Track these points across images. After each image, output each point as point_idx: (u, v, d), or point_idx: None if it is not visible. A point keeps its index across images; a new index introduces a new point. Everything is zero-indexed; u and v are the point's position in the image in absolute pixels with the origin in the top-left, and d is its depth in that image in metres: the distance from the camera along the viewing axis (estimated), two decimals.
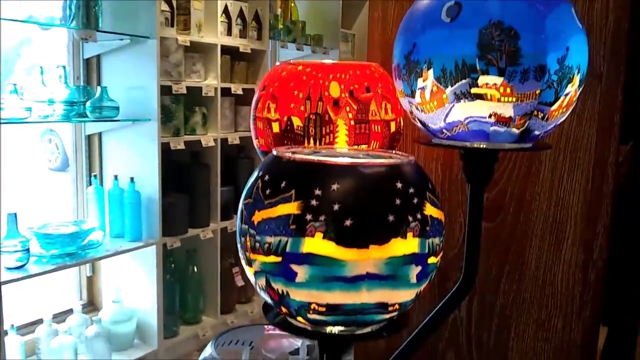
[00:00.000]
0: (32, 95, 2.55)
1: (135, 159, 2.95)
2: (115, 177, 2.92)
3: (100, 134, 3.07)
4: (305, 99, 0.90)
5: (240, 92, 3.39)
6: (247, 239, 0.71)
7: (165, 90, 2.94)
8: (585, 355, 1.07)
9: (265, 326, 1.37)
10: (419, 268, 0.69)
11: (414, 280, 0.69)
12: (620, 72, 0.97)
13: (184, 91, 3.04)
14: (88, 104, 2.71)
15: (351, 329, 0.74)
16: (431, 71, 0.76)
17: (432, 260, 0.71)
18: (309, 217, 0.66)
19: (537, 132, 0.78)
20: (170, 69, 3.02)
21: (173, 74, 3.03)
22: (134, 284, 3.05)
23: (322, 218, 0.65)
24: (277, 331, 1.34)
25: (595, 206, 1.03)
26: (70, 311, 2.88)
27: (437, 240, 0.71)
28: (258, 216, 0.69)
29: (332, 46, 4.16)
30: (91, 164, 3.10)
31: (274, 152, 0.74)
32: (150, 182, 2.92)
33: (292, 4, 4.01)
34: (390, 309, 0.70)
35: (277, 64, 0.97)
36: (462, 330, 1.17)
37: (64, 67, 2.73)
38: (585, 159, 1.02)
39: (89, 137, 3.08)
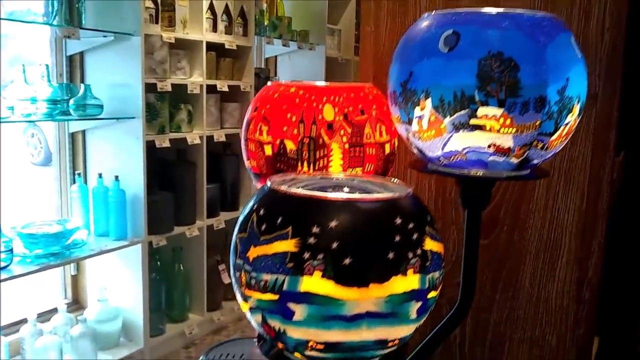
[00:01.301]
0: (14, 94, 2.49)
1: (119, 157, 2.91)
2: (100, 175, 2.87)
3: (84, 132, 3.02)
4: (299, 122, 0.87)
5: (225, 89, 3.35)
6: (242, 274, 0.69)
7: (150, 88, 2.89)
8: None
9: (256, 339, 1.34)
10: (419, 303, 0.67)
11: (414, 315, 0.68)
12: (615, 90, 0.95)
13: (169, 88, 2.99)
14: (71, 102, 2.66)
15: None
16: (429, 100, 0.74)
17: (432, 294, 0.69)
18: (306, 255, 0.64)
19: (536, 161, 0.77)
20: (155, 66, 2.97)
21: (158, 71, 2.98)
22: (119, 283, 3.01)
23: (320, 256, 0.63)
24: None
25: (590, 225, 1.02)
26: (54, 310, 2.84)
27: (437, 274, 0.69)
28: (253, 252, 0.67)
29: (319, 42, 4.12)
30: (75, 162, 3.04)
31: (269, 184, 0.72)
32: (135, 180, 2.87)
33: (278, 0, 3.95)
34: (390, 344, 0.69)
35: (269, 84, 0.95)
36: (456, 347, 1.16)
37: (46, 65, 2.67)
38: (580, 178, 1.01)
39: (72, 135, 3.03)
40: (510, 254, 1.10)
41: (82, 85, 2.69)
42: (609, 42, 0.96)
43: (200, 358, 1.25)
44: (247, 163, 0.96)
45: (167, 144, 3.00)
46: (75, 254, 2.67)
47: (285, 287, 0.64)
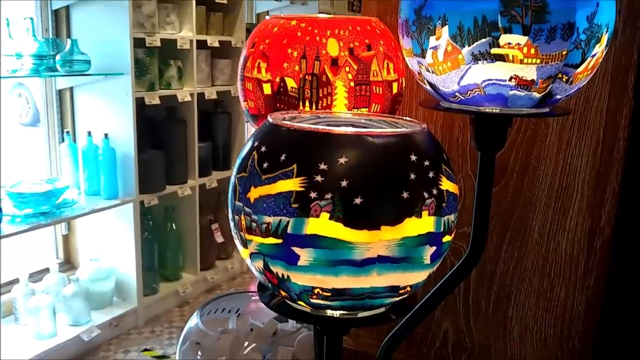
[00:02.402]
0: None
1: (109, 114, 2.81)
2: (89, 133, 2.78)
3: (71, 89, 2.91)
4: (300, 57, 0.80)
5: (216, 44, 3.23)
6: (242, 217, 0.62)
7: (138, 43, 2.78)
8: (587, 326, 1.02)
9: (251, 293, 1.30)
10: (434, 248, 0.62)
11: (427, 261, 0.62)
12: (637, 29, 0.88)
13: (158, 44, 2.87)
14: (58, 57, 2.56)
15: (355, 312, 0.66)
16: (446, 28, 0.67)
17: (446, 239, 0.63)
18: (313, 195, 0.57)
19: (559, 96, 0.70)
20: (143, 21, 2.85)
21: (146, 25, 2.86)
22: (111, 242, 2.95)
23: (328, 196, 0.57)
24: None
25: (604, 171, 0.96)
26: (46, 270, 2.79)
27: (452, 217, 0.63)
28: (254, 193, 0.60)
29: None
30: (63, 120, 2.95)
31: (270, 120, 0.65)
32: (125, 139, 2.79)
33: None
34: (401, 291, 0.63)
35: (267, 17, 0.87)
36: (460, 298, 1.11)
37: (31, 18, 2.56)
38: (595, 121, 0.95)
39: (60, 92, 2.92)
40: (519, 203, 1.04)
41: (69, 41, 2.58)
42: None
43: (195, 312, 1.21)
44: (243, 104, 0.88)
45: (157, 101, 2.91)
46: (65, 213, 2.60)
47: (289, 229, 0.58)
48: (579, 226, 0.99)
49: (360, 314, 0.67)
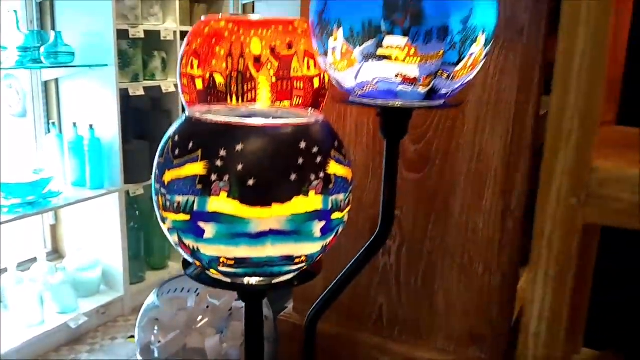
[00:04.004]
0: None
1: (93, 105, 2.94)
2: (74, 124, 2.91)
3: (57, 81, 3.04)
4: (227, 55, 0.92)
5: None
6: (160, 197, 0.75)
7: (122, 35, 2.90)
8: (503, 297, 1.14)
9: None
10: (323, 223, 0.73)
11: (318, 234, 0.74)
12: (540, 28, 0.99)
13: (142, 35, 3.00)
14: (42, 49, 2.68)
15: (267, 279, 0.79)
16: (341, 31, 0.78)
17: (336, 215, 0.75)
18: (214, 177, 0.69)
19: (444, 91, 0.82)
20: (127, 13, 2.97)
21: (130, 17, 2.98)
22: (98, 232, 3.09)
23: (226, 178, 0.69)
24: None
25: (514, 159, 1.07)
26: (34, 260, 2.93)
27: (341, 196, 0.75)
28: (168, 176, 0.72)
29: None
30: (49, 111, 3.08)
31: (187, 113, 0.77)
32: (110, 129, 2.92)
33: None
34: (296, 260, 0.75)
35: (203, 18, 0.99)
36: (392, 275, 1.23)
37: (15, 11, 2.68)
38: (506, 113, 1.06)
39: (46, 84, 3.05)
40: (442, 187, 1.16)
41: (53, 32, 2.70)
42: None
43: (154, 291, 1.33)
44: (182, 98, 1.01)
45: (141, 92, 3.03)
46: (52, 204, 2.73)
47: (195, 207, 0.70)
48: (493, 208, 1.11)
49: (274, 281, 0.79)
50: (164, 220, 0.76)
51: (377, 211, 0.93)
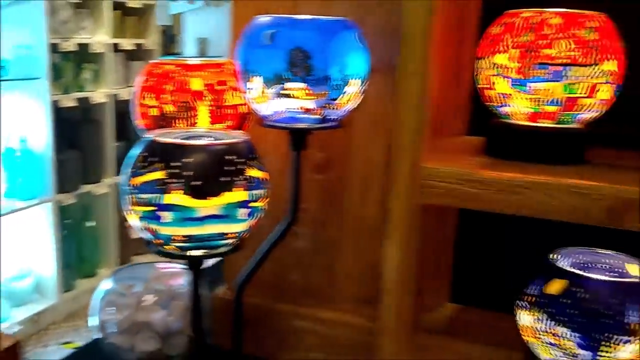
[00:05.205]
0: None
1: (26, 117, 3.22)
2: (6, 136, 3.19)
3: None
4: (175, 90, 1.33)
5: (131, 47, 3.71)
6: (131, 196, 1.15)
7: (54, 48, 3.20)
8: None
9: (157, 264, 1.81)
10: (247, 210, 1.15)
11: (244, 217, 1.16)
12: (393, 69, 1.41)
13: (73, 48, 3.32)
14: None
15: (207, 252, 1.20)
16: (258, 77, 1.22)
17: (256, 204, 1.17)
18: (170, 180, 1.10)
19: (333, 117, 1.27)
20: (59, 26, 3.28)
21: (61, 31, 3.29)
22: (30, 242, 3.37)
23: (179, 180, 1.10)
24: (168, 269, 1.79)
25: (393, 159, 1.53)
26: None
27: (260, 192, 1.17)
28: (137, 180, 1.13)
29: None
30: None
31: (150, 136, 1.18)
32: (41, 140, 3.21)
33: None
34: (229, 236, 1.17)
35: (156, 60, 1.39)
36: (302, 255, 1.71)
37: None
38: (385, 123, 1.50)
39: None
40: (340, 185, 1.64)
41: None
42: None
43: (111, 277, 1.72)
44: (137, 122, 1.41)
45: (72, 104, 3.35)
46: None
47: (157, 201, 1.11)
48: (377, 204, 1.58)
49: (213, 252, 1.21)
50: (133, 212, 1.16)
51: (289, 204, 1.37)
